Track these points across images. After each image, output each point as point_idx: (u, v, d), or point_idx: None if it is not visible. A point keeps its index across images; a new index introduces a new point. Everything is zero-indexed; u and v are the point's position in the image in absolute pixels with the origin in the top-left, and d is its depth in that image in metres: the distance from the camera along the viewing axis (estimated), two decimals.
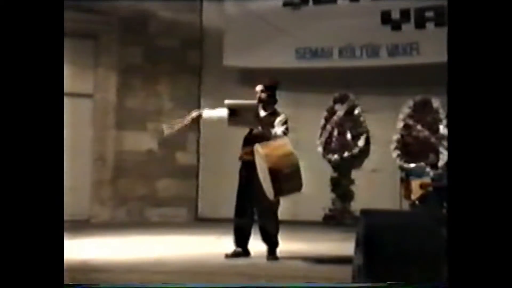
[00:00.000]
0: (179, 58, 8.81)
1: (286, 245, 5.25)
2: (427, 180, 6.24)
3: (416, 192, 6.03)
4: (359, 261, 3.14)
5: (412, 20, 7.86)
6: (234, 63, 8.51)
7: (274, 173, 4.35)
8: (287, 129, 4.93)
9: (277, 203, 4.90)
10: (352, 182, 8.07)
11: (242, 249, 5.10)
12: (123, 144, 8.62)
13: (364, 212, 3.33)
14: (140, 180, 8.62)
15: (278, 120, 4.95)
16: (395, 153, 6.80)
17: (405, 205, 6.43)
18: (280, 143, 4.61)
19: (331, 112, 8.27)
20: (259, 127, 4.87)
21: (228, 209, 8.52)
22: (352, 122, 8.07)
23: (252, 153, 4.73)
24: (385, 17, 7.95)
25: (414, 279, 2.94)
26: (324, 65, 8.18)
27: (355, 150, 7.94)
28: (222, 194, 8.67)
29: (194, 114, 5.10)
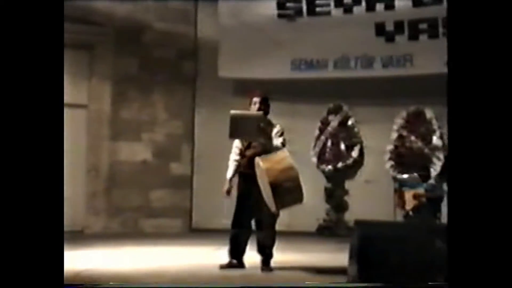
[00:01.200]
0: (174, 69, 8.84)
1: (280, 255, 5.25)
2: (420, 191, 6.25)
3: (409, 202, 6.05)
4: (353, 272, 3.15)
5: (406, 32, 7.92)
6: (229, 74, 8.54)
7: (275, 187, 4.38)
8: (284, 140, 4.95)
9: (276, 215, 4.89)
10: (346, 192, 8.09)
11: (237, 261, 5.08)
12: (117, 154, 8.62)
13: (358, 223, 3.34)
14: (134, 191, 8.61)
15: (275, 131, 4.96)
16: (388, 164, 6.82)
17: (399, 216, 6.44)
18: (281, 156, 4.62)
19: (325, 123, 8.29)
20: (261, 140, 4.86)
21: (223, 220, 8.58)
22: (346, 132, 8.09)
23: (251, 165, 4.74)
24: (379, 29, 8.01)
25: None
26: (319, 76, 8.22)
27: (349, 161, 7.96)
28: (217, 204, 8.66)
29: (225, 188, 5.10)
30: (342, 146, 8.03)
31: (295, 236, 7.32)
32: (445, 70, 8.82)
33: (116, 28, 8.54)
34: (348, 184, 8.15)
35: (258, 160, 4.62)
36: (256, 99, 5.08)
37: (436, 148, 6.56)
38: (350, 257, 3.30)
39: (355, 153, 7.94)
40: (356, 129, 8.07)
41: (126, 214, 8.55)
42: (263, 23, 8.47)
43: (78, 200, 8.17)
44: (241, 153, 5.07)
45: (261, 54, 8.35)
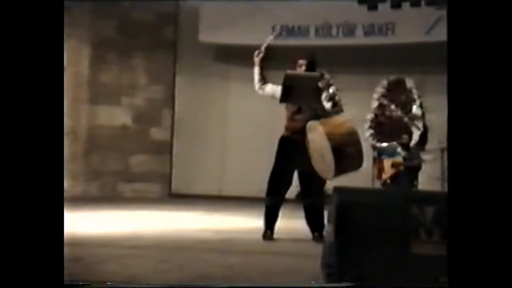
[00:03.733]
0: (154, 33, 8.72)
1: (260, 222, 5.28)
2: (399, 159, 6.31)
3: (388, 171, 6.10)
4: (330, 238, 3.19)
5: (389, 0, 7.89)
6: (210, 39, 8.45)
7: (338, 152, 4.17)
8: (336, 103, 4.67)
9: (324, 182, 4.70)
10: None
11: (270, 230, 4.81)
12: (96, 118, 8.55)
13: (337, 189, 3.37)
14: (114, 155, 8.57)
15: (325, 95, 4.67)
16: (368, 132, 6.84)
17: (377, 184, 6.50)
18: (341, 120, 4.43)
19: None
20: (314, 104, 4.58)
21: (202, 185, 8.61)
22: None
23: (301, 131, 4.50)
24: None
25: (383, 256, 3.00)
26: (301, 43, 8.17)
27: None
28: (197, 170, 8.71)
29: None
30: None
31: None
32: (426, 39, 8.85)
33: None
34: None
35: (314, 124, 4.38)
36: (302, 61, 4.76)
37: (415, 117, 6.59)
38: (328, 224, 3.34)
39: None
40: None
41: (105, 178, 8.53)
42: None
43: None
44: (291, 118, 4.77)
45: (243, 20, 8.26)
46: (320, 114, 4.55)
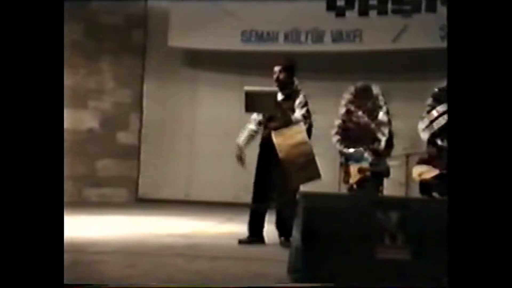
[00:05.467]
0: (123, 37, 8.67)
1: (231, 226, 5.29)
2: (365, 165, 6.39)
3: (354, 176, 6.17)
4: (296, 243, 3.23)
5: (356, 7, 8.00)
6: (179, 44, 8.45)
7: (286, 163, 4.26)
8: (308, 111, 4.76)
9: (297, 189, 4.69)
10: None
11: (257, 236, 4.84)
12: None
13: (303, 194, 3.41)
14: (79, 159, 8.47)
15: (298, 102, 4.77)
16: (335, 138, 6.92)
17: (344, 189, 6.57)
18: (294, 131, 4.49)
19: None
20: (278, 114, 4.68)
21: (170, 190, 8.58)
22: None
23: (270, 137, 4.60)
24: (330, 3, 8.07)
25: (348, 260, 3.04)
26: (270, 49, 8.23)
27: None
28: (164, 175, 8.67)
29: (238, 154, 4.87)
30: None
31: (242, 208, 7.39)
32: (393, 46, 8.94)
33: None
34: None
35: (272, 134, 4.50)
36: (276, 68, 4.84)
37: (381, 123, 6.68)
38: (295, 228, 3.37)
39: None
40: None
41: (71, 182, 8.42)
42: None
43: None
44: (263, 124, 4.88)
45: (212, 24, 8.28)
46: (290, 122, 4.62)
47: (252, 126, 4.98)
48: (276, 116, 4.73)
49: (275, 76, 4.84)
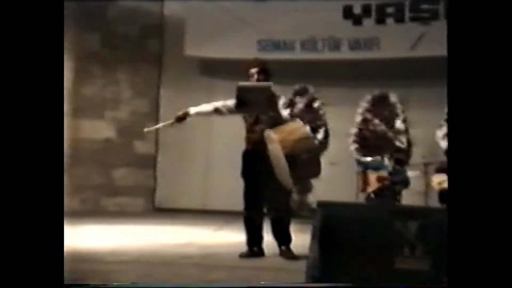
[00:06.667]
0: (139, 46, 8.74)
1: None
2: (384, 173, 6.36)
3: (372, 185, 6.15)
4: (314, 253, 3.21)
5: (373, 15, 7.99)
6: (196, 53, 8.49)
7: (291, 159, 4.03)
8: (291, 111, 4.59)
9: (290, 193, 4.65)
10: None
11: (257, 248, 4.72)
12: (79, 132, 8.51)
13: (321, 204, 3.39)
14: (97, 169, 8.53)
15: (282, 102, 4.64)
16: (353, 146, 6.91)
17: (361, 198, 6.54)
18: (294, 126, 4.32)
19: (291, 104, 8.33)
20: (270, 112, 4.50)
21: (186, 199, 8.59)
22: (311, 115, 8.15)
23: (260, 141, 4.42)
24: (347, 12, 8.07)
25: (367, 270, 3.02)
26: (286, 58, 8.23)
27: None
28: (181, 184, 8.70)
29: (180, 113, 4.80)
30: (307, 128, 8.08)
31: None
32: (410, 54, 8.93)
33: (78, 3, 8.37)
34: None
35: (268, 132, 4.28)
36: (253, 70, 4.70)
37: (399, 131, 6.68)
38: (312, 238, 3.35)
39: (320, 135, 8.00)
40: (321, 112, 8.13)
41: (88, 192, 8.48)
42: (231, 2, 8.44)
43: None
44: (250, 129, 4.72)
45: (229, 34, 8.32)
46: (278, 122, 4.44)
47: (217, 104, 4.78)
48: (267, 115, 4.57)
49: (254, 78, 4.70)
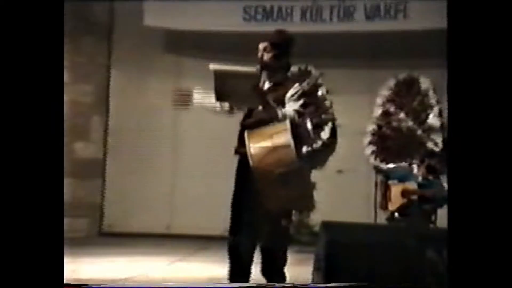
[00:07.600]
0: (82, 14, 8.71)
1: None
2: (411, 186, 6.38)
3: (396, 201, 6.16)
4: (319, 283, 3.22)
5: None
6: (159, 23, 8.49)
7: (258, 175, 4.03)
8: (304, 105, 4.55)
9: (289, 217, 4.59)
10: (312, 186, 8.16)
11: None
12: None
13: (326, 225, 3.40)
14: None
15: (290, 93, 4.51)
16: (369, 149, 6.93)
17: (382, 218, 6.58)
18: (276, 129, 4.23)
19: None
20: (261, 106, 4.42)
21: (145, 221, 8.58)
22: (314, 106, 8.17)
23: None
24: None
25: None
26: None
27: (317, 144, 8.04)
28: (137, 200, 8.68)
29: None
30: (309, 125, 8.07)
31: None
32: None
33: None
34: (314, 175, 8.23)
35: (246, 133, 4.22)
36: (261, 46, 4.58)
37: (432, 129, 6.71)
38: (314, 270, 3.36)
39: (325, 134, 8.01)
40: (327, 102, 8.15)
41: None
42: None
43: None
44: (241, 124, 4.61)
45: None
46: (277, 119, 4.37)
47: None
48: (257, 109, 4.48)
49: (259, 55, 4.60)
